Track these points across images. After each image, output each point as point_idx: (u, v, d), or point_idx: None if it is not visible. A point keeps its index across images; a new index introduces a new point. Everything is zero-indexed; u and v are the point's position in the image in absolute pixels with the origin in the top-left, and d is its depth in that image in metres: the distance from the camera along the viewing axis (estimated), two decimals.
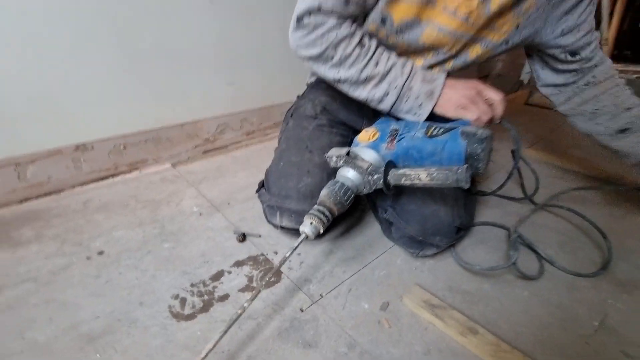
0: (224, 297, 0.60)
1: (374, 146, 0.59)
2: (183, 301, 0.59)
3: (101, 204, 0.85)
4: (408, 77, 0.59)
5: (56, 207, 0.84)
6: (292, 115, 0.81)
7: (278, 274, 0.65)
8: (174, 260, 0.68)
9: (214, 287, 0.62)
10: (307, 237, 0.53)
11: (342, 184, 0.55)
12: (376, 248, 0.73)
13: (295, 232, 0.57)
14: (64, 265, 0.66)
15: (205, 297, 0.60)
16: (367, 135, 0.61)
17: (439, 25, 0.58)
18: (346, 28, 0.55)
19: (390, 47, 0.62)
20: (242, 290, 0.62)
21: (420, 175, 0.51)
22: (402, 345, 0.52)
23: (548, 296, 0.62)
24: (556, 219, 0.84)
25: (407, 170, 0.52)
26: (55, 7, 0.74)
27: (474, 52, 0.65)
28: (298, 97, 0.86)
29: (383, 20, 0.59)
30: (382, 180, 0.54)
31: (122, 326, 0.54)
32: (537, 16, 0.63)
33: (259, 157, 1.13)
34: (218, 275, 0.65)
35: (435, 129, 0.57)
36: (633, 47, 3.02)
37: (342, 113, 0.78)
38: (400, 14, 0.57)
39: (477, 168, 0.55)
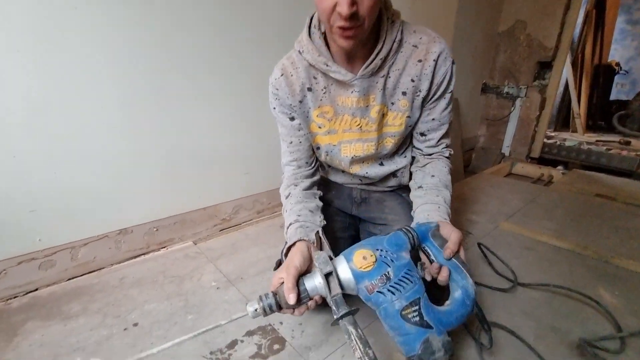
0: None
1: (360, 275, 0.59)
2: None
3: (135, 280, 1.01)
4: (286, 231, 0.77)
5: (97, 283, 1.00)
6: None
7: (282, 341, 0.78)
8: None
9: (229, 355, 0.75)
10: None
11: (304, 291, 0.60)
12: (366, 317, 0.85)
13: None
14: (106, 336, 0.80)
15: None
16: (362, 262, 0.59)
17: (347, 140, 0.82)
18: (284, 188, 0.86)
19: (335, 166, 0.90)
20: (253, 357, 0.74)
21: (356, 351, 0.54)
22: None
23: None
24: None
25: (353, 337, 0.54)
26: (117, 132, 0.99)
27: (389, 142, 0.83)
28: None
29: (318, 148, 0.86)
30: (335, 318, 0.56)
31: None
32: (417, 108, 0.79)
33: (268, 233, 1.30)
34: (232, 344, 0.78)
35: (413, 313, 0.57)
36: (605, 119, 3.34)
37: (336, 201, 0.98)
38: (321, 142, 0.84)
39: None
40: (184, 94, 1.08)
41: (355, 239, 1.00)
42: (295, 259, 0.63)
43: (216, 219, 1.28)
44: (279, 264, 0.90)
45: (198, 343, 0.78)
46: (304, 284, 0.61)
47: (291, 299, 0.58)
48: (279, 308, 0.60)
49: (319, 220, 0.78)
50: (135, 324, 0.84)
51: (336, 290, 0.58)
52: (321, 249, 0.75)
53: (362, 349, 0.53)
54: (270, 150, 1.34)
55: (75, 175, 0.95)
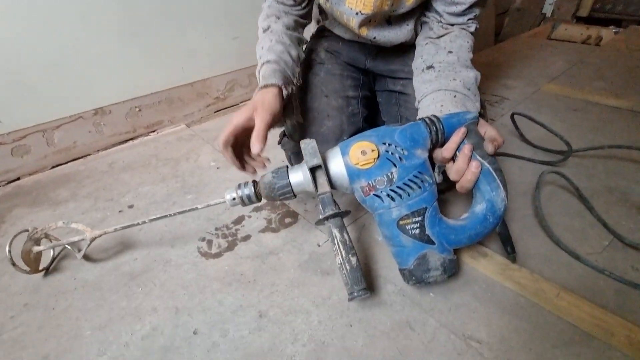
0: (247, 237, 0.65)
1: (356, 173, 0.47)
2: (210, 243, 0.64)
3: (125, 164, 0.90)
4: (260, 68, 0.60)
5: (85, 169, 0.89)
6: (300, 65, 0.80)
7: (294, 215, 0.69)
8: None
9: (237, 230, 0.67)
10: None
11: (287, 185, 0.49)
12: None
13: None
14: (100, 218, 0.72)
15: (230, 239, 0.65)
16: (359, 157, 0.46)
17: None
18: (264, 19, 0.65)
19: (337, 19, 0.67)
20: (263, 231, 0.66)
21: (338, 257, 0.46)
22: None
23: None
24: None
25: (337, 242, 0.46)
26: None
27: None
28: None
29: None
30: (320, 219, 0.48)
31: (158, 265, 0.60)
32: None
33: None
34: (239, 220, 0.70)
35: (413, 224, 0.46)
36: None
37: (344, 53, 0.78)
38: None
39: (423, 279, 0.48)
40: None
41: (369, 100, 0.82)
42: (272, 103, 0.50)
43: (208, 98, 1.10)
44: (283, 135, 0.76)
45: (201, 220, 0.70)
46: (287, 177, 0.49)
47: (256, 148, 0.47)
48: (259, 199, 0.52)
49: (297, 74, 0.62)
50: (131, 206, 0.75)
51: (324, 187, 0.48)
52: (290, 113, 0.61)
53: (344, 255, 0.45)
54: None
55: (23, 43, 0.75)
